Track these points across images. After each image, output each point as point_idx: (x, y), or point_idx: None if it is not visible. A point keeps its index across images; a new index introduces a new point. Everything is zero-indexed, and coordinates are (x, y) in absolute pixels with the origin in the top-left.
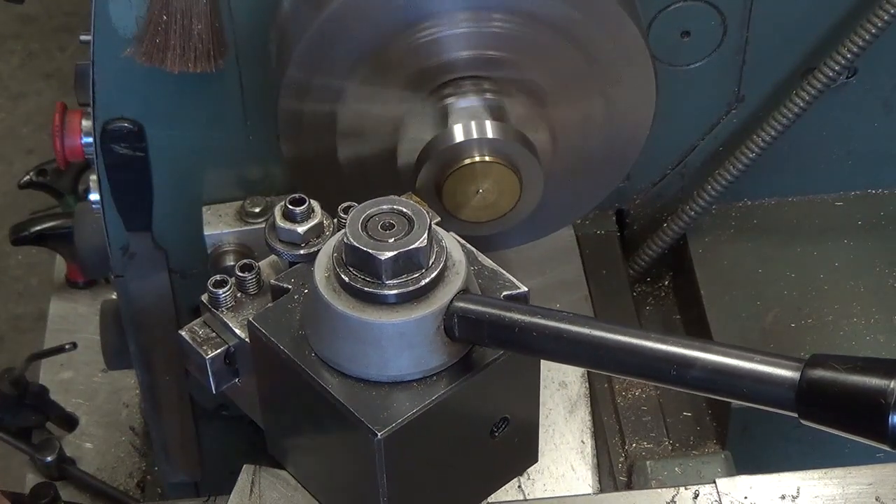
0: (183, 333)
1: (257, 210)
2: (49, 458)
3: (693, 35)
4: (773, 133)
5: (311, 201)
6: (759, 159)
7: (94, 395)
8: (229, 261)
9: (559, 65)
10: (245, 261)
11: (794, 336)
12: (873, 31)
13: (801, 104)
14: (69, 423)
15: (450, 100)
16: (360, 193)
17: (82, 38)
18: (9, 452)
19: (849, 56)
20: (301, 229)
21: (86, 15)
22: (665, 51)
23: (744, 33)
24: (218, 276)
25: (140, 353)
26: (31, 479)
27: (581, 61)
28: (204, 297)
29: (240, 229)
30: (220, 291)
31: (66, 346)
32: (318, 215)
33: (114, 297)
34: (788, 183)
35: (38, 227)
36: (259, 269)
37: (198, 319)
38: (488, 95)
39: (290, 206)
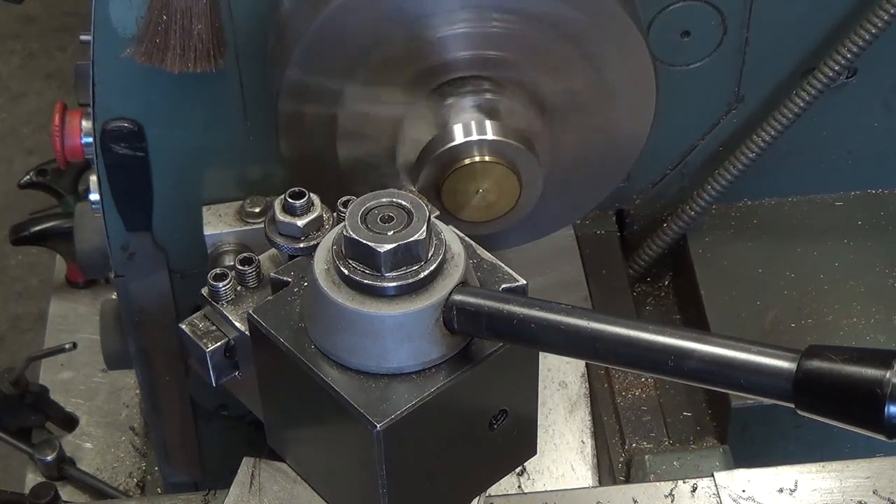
0: (183, 326)
1: (257, 210)
2: (49, 458)
3: (693, 35)
4: (773, 133)
5: (311, 195)
6: (759, 159)
7: (94, 395)
8: (229, 261)
9: (559, 65)
10: (245, 254)
11: (794, 336)
12: (873, 31)
13: (801, 104)
14: (69, 423)
15: (450, 100)
16: (360, 194)
17: (82, 38)
18: (9, 452)
19: (849, 56)
20: (301, 223)
21: (86, 15)
22: (665, 51)
23: (744, 33)
24: (218, 270)
25: (140, 353)
26: (31, 479)
27: (581, 61)
28: (204, 291)
29: (240, 229)
30: (221, 285)
31: (66, 346)
32: (318, 209)
33: (114, 297)
34: (788, 183)
35: (38, 227)
36: (259, 262)
37: (198, 313)
38: (488, 95)
39: (290, 200)
